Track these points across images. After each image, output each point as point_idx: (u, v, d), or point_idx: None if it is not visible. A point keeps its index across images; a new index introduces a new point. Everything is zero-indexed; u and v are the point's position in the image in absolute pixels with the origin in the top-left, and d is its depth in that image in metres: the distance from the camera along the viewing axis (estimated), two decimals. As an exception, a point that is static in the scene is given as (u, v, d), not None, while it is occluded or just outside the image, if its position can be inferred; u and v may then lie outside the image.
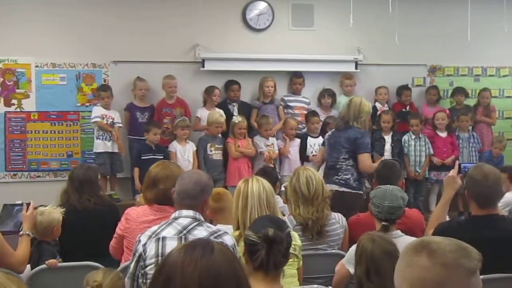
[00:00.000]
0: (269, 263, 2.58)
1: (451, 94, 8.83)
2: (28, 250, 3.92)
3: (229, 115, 7.85)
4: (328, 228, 4.09)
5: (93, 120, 7.48)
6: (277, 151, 7.84)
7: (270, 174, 5.05)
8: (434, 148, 8.07)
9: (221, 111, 7.80)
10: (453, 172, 4.02)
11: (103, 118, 7.47)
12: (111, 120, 7.52)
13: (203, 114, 7.80)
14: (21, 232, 3.96)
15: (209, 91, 7.85)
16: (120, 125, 7.60)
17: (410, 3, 8.34)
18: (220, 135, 7.74)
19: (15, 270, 3.81)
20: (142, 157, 7.18)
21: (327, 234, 4.08)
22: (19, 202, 4.09)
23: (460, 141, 8.23)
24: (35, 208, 4.22)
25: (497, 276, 3.41)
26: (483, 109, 8.69)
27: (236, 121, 7.60)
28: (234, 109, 8.00)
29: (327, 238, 4.09)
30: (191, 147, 7.50)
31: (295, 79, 8.35)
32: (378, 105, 8.45)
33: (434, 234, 3.63)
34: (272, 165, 7.35)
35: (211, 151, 7.58)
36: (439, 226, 3.70)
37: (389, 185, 3.93)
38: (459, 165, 4.17)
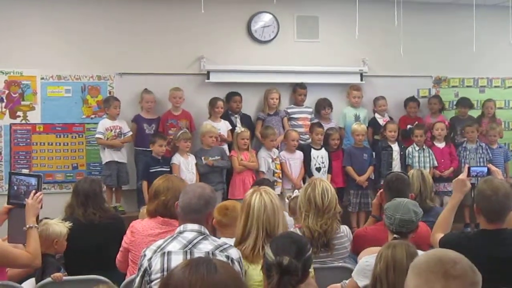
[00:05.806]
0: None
1: (456, 105, 8.83)
2: (38, 242, 3.79)
3: (233, 127, 7.87)
4: (335, 241, 4.06)
5: (96, 136, 7.51)
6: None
7: (269, 186, 4.99)
8: (432, 160, 8.08)
9: (227, 122, 7.86)
10: (462, 175, 4.00)
11: (111, 130, 7.49)
12: (119, 130, 7.54)
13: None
14: (26, 227, 3.83)
15: (212, 103, 7.85)
16: (130, 133, 7.63)
17: (415, 14, 8.34)
18: (226, 145, 7.79)
19: (30, 267, 3.86)
20: (151, 170, 7.12)
21: (334, 248, 4.06)
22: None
23: (468, 152, 8.16)
24: (40, 220, 4.19)
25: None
26: (488, 121, 8.66)
27: (239, 131, 7.61)
28: (237, 120, 8.00)
29: (334, 251, 4.07)
30: (193, 159, 7.46)
31: (300, 90, 8.29)
32: (377, 116, 8.47)
33: (440, 245, 3.60)
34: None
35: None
36: (447, 237, 3.67)
37: (404, 198, 3.89)
38: (468, 168, 4.16)
